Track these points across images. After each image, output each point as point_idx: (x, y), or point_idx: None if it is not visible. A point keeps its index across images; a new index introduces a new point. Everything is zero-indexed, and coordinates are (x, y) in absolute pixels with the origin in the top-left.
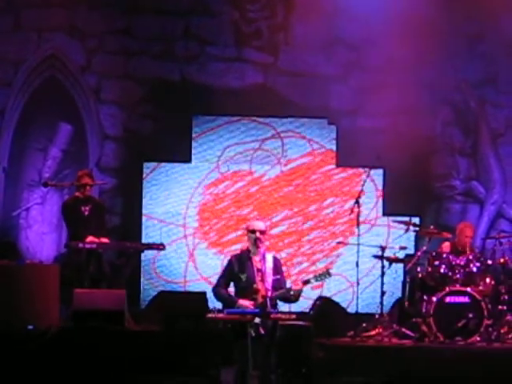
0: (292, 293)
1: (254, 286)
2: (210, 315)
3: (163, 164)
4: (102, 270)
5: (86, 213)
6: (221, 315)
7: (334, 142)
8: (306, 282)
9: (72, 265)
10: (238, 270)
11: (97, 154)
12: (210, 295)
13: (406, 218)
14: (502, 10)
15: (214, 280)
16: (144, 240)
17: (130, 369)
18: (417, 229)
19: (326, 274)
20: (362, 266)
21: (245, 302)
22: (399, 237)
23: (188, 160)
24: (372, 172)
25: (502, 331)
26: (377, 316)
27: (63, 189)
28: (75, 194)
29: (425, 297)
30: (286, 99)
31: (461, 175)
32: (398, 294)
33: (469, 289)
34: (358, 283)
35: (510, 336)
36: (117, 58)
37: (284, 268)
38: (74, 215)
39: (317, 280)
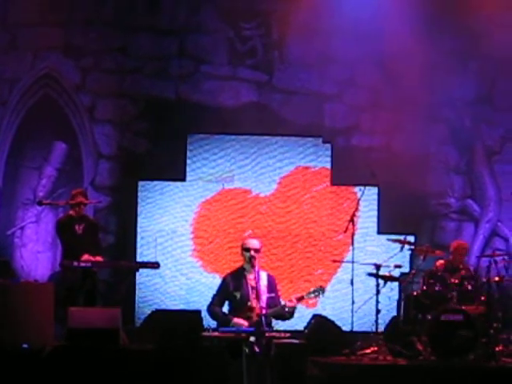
0: (286, 310)
1: (249, 304)
2: (204, 334)
3: (158, 182)
4: (96, 288)
5: (80, 231)
6: (215, 334)
7: (329, 160)
8: (300, 299)
9: (66, 283)
10: (233, 288)
11: (91, 173)
12: (204, 314)
13: (401, 237)
14: (495, 27)
15: (209, 298)
16: (139, 258)
17: None
18: (412, 247)
19: (320, 290)
20: (356, 285)
21: (239, 321)
22: (394, 255)
23: (183, 178)
24: (366, 190)
25: (496, 349)
26: (372, 334)
27: (58, 207)
28: (69, 213)
29: (420, 315)
30: (281, 117)
31: (456, 193)
32: (393, 312)
33: (463, 307)
34: (352, 301)
35: (504, 354)
36: (111, 76)
37: (278, 286)
38: (68, 234)
39: (310, 296)
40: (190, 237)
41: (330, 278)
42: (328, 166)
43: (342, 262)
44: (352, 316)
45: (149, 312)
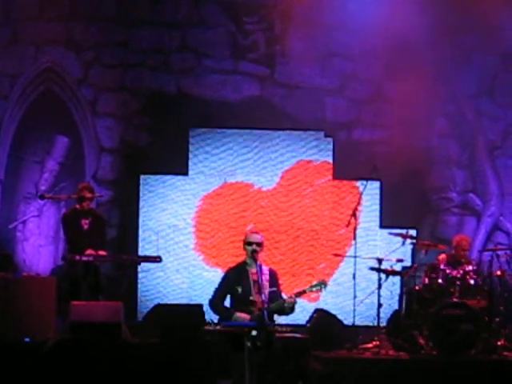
0: (286, 305)
1: (251, 298)
2: (206, 328)
3: (160, 176)
4: (98, 282)
5: (86, 226)
6: (217, 328)
7: (331, 154)
8: (302, 293)
9: (69, 277)
10: (235, 282)
11: (93, 167)
12: (206, 308)
13: (403, 231)
14: (498, 21)
15: (211, 292)
16: (140, 252)
17: (126, 381)
18: (413, 241)
19: (322, 284)
20: (358, 279)
21: (241, 315)
22: (396, 249)
23: (185, 172)
24: (369, 184)
25: (498, 343)
26: (374, 328)
27: (60, 201)
28: (75, 207)
29: (421, 309)
30: (283, 111)
31: (457, 187)
32: (395, 306)
33: (465, 301)
34: (354, 296)
35: (506, 348)
36: (113, 70)
37: (280, 280)
38: (74, 228)
39: (312, 290)
40: (192, 231)
41: (333, 272)
42: (330, 160)
43: (344, 256)
44: (354, 310)
45: (151, 306)
